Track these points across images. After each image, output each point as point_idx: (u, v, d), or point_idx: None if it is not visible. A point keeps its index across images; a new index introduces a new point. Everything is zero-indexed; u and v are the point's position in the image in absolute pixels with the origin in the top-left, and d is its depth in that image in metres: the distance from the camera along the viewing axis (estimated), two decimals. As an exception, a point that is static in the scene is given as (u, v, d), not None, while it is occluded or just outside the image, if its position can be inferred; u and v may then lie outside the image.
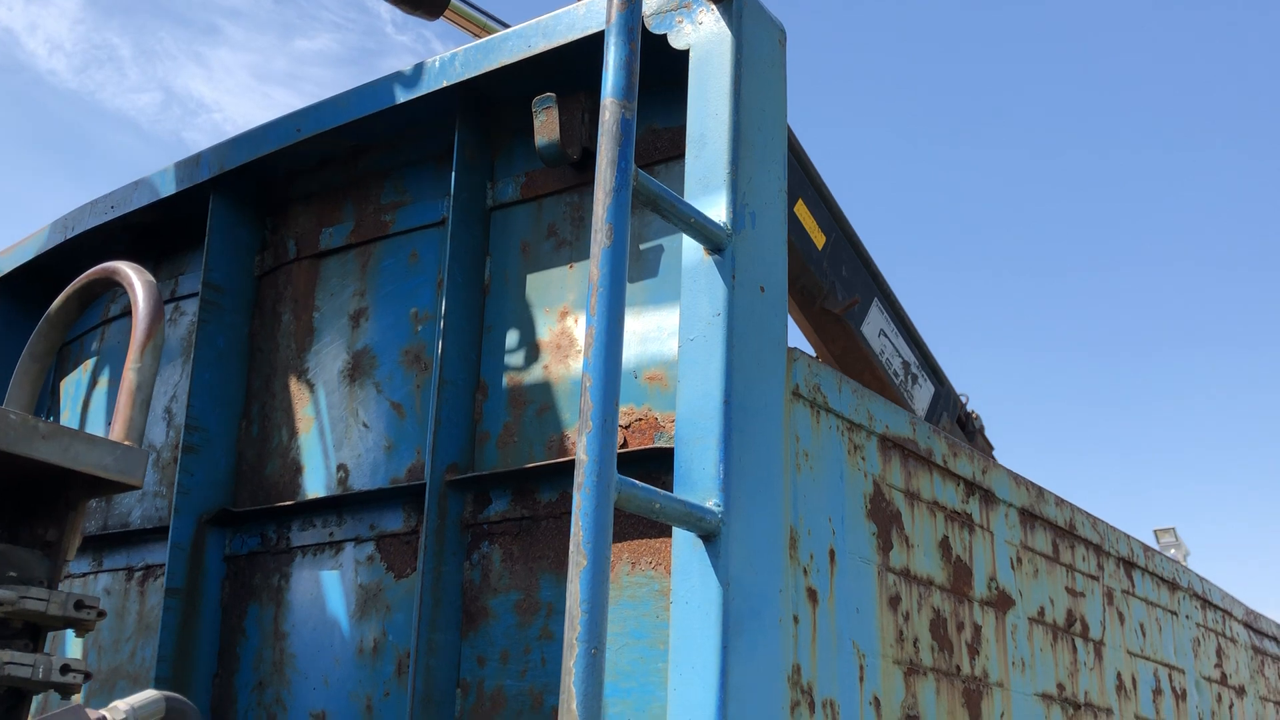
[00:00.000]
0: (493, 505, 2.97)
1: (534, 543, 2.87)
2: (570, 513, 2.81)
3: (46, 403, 4.39)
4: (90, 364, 4.21)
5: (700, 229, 2.40)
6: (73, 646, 3.79)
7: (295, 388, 3.52)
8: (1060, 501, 3.87)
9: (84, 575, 3.86)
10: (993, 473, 3.45)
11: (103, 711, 1.51)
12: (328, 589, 3.22)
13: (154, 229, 4.03)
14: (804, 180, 4.32)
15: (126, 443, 2.05)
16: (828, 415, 2.72)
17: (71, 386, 4.30)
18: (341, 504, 3.25)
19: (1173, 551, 9.17)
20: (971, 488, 3.31)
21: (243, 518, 3.46)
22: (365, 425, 3.32)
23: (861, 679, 2.61)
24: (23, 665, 1.82)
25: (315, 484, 3.36)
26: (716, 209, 2.48)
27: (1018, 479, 3.60)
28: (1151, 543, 8.42)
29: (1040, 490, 3.74)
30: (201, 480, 3.48)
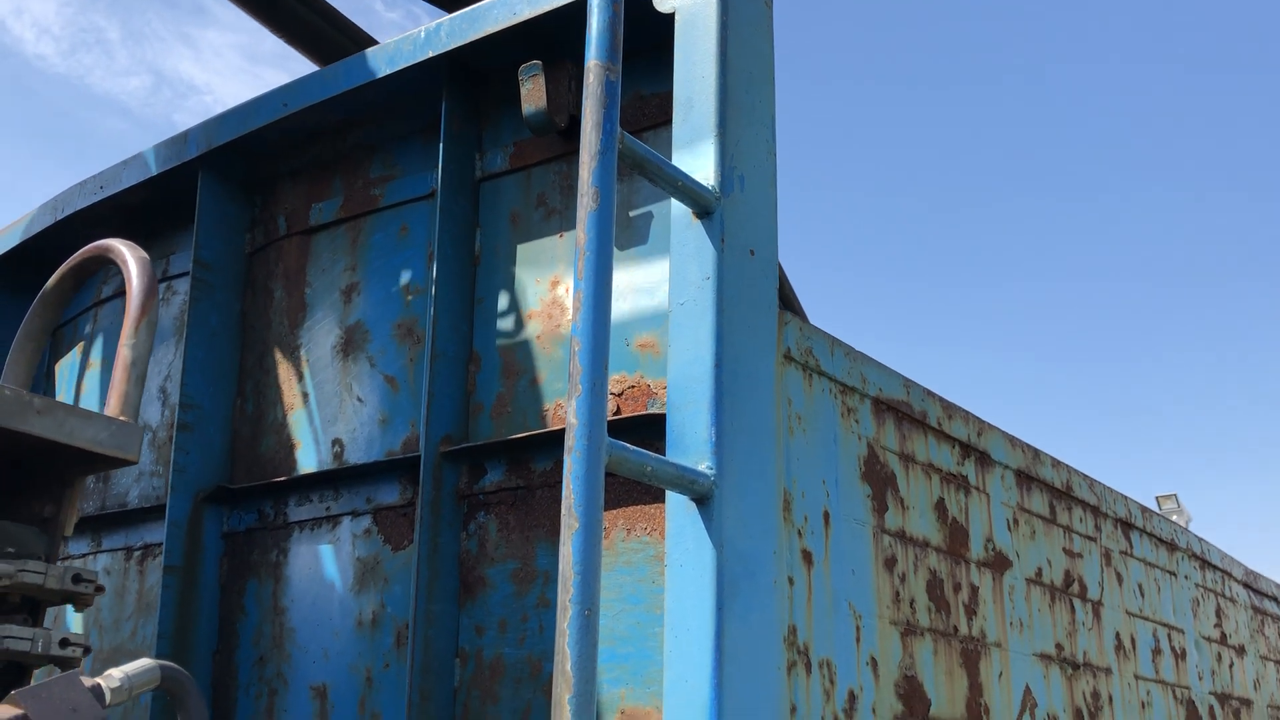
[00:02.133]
0: (488, 475, 2.97)
1: (530, 512, 2.87)
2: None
3: (42, 386, 4.39)
4: (84, 346, 4.21)
5: (688, 192, 2.39)
6: (75, 625, 3.80)
7: (289, 364, 3.52)
8: (1057, 463, 3.87)
9: (84, 555, 3.86)
10: (988, 435, 3.45)
11: (98, 679, 1.51)
12: (325, 563, 3.23)
13: (144, 209, 4.01)
14: None
15: (121, 418, 2.05)
16: (820, 378, 2.72)
17: (66, 369, 4.29)
18: (337, 478, 3.25)
19: (1175, 518, 9.19)
20: (967, 450, 3.32)
21: (239, 494, 3.46)
22: (359, 399, 3.32)
23: (858, 640, 2.62)
24: (21, 639, 1.82)
25: (311, 459, 3.36)
26: (704, 172, 2.47)
27: (1014, 441, 3.60)
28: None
29: (1037, 452, 3.74)
30: (197, 458, 3.48)
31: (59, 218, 4.13)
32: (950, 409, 3.25)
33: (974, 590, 3.18)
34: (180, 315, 3.85)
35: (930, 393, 3.17)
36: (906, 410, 3.03)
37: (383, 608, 3.06)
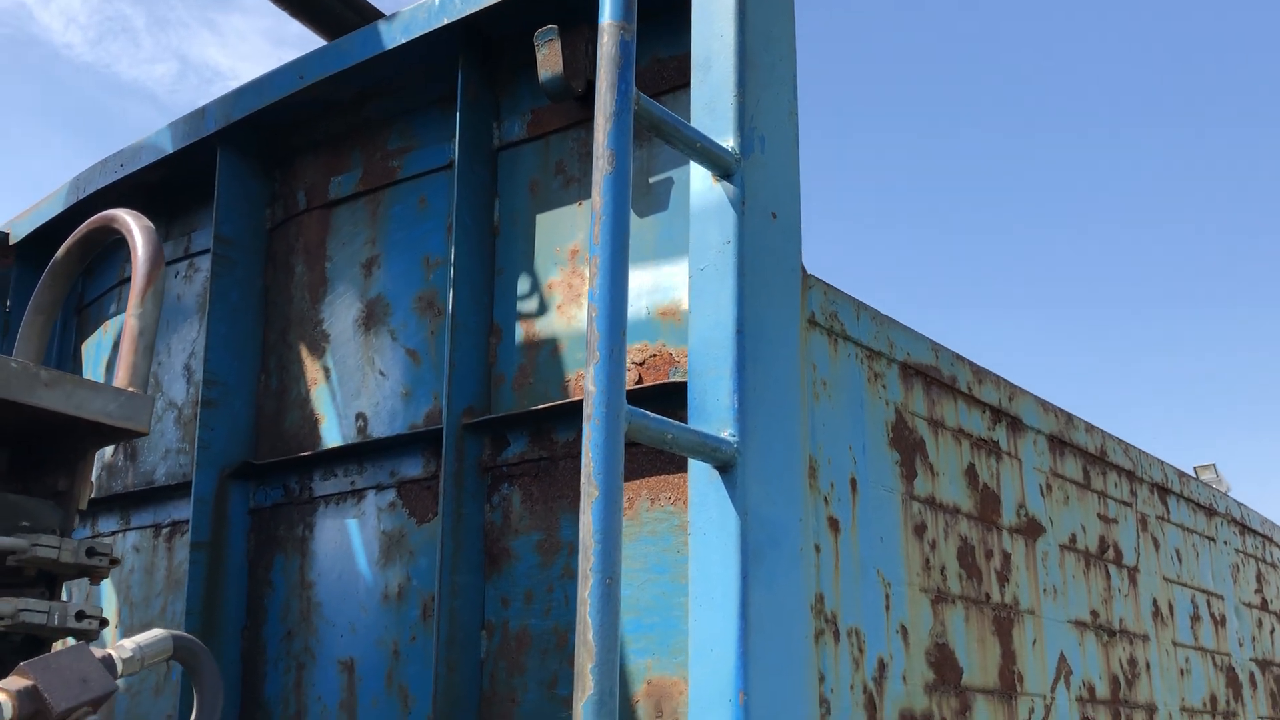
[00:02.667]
0: (511, 447, 2.95)
1: (553, 483, 2.85)
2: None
3: (69, 366, 4.41)
4: (110, 325, 4.22)
5: (707, 154, 2.34)
6: (108, 602, 3.83)
7: (311, 339, 3.50)
8: (1090, 428, 3.80)
9: (113, 533, 3.88)
10: (1020, 400, 3.38)
11: (109, 650, 1.50)
12: (351, 537, 3.22)
13: (165, 186, 4.01)
14: None
15: (130, 389, 2.03)
16: (846, 343, 2.67)
17: (92, 349, 4.31)
18: (362, 452, 3.24)
19: (1214, 487, 9.05)
20: (998, 415, 3.25)
21: (265, 470, 3.46)
22: (382, 373, 3.30)
23: (887, 607, 2.57)
24: (37, 612, 1.82)
25: (335, 433, 3.35)
26: (724, 134, 2.41)
27: (1046, 405, 3.53)
28: (1191, 480, 8.31)
29: (1070, 417, 3.67)
30: (222, 434, 3.48)
31: (81, 197, 4.13)
32: (980, 373, 3.19)
33: (1006, 557, 3.12)
34: (203, 292, 3.85)
35: (960, 357, 3.11)
36: (935, 375, 2.97)
37: (408, 581, 3.05)
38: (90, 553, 1.92)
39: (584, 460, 1.92)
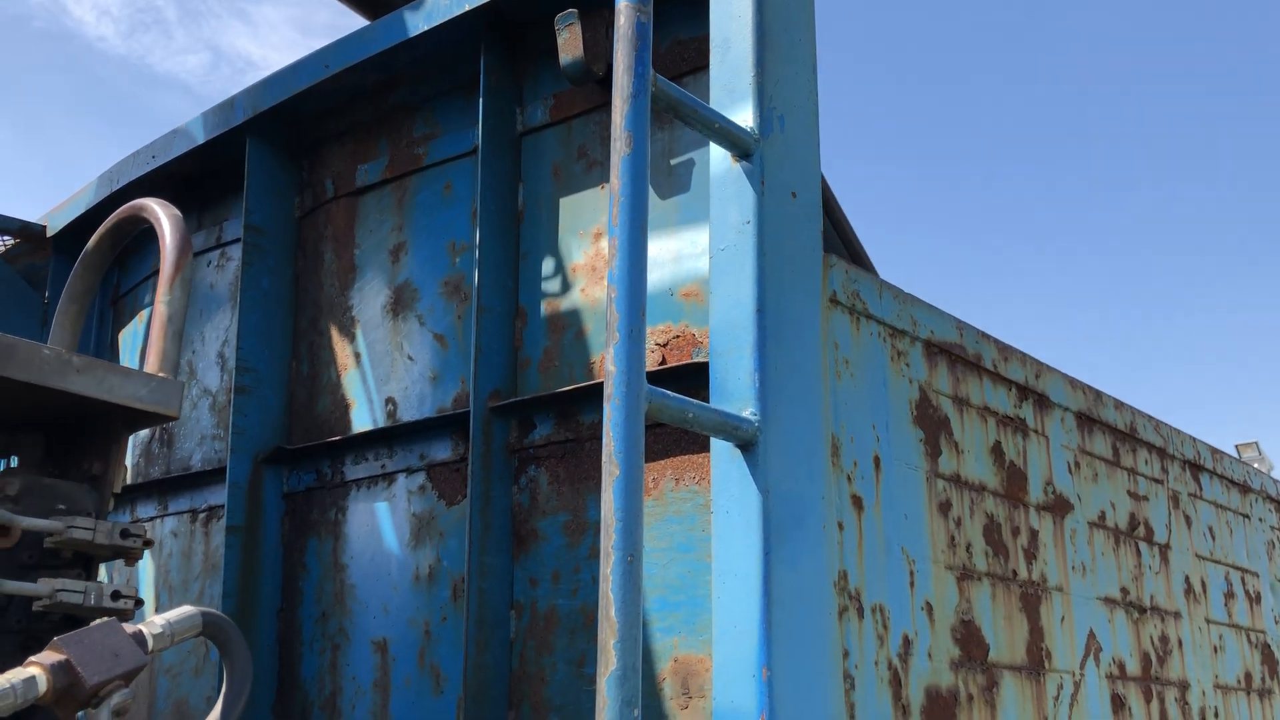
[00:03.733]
0: (537, 429, 2.98)
1: (579, 464, 2.87)
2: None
3: (106, 355, 4.49)
4: (144, 314, 4.29)
5: (726, 135, 2.34)
6: (146, 587, 3.91)
7: (341, 325, 3.55)
8: (1120, 405, 3.78)
9: (151, 519, 3.96)
10: (1047, 377, 3.37)
11: (139, 626, 1.54)
12: (382, 520, 3.27)
13: (196, 176, 4.07)
14: None
15: (160, 374, 2.08)
16: (868, 322, 2.67)
17: (129, 338, 4.38)
18: (392, 436, 3.28)
19: (1256, 465, 8.97)
20: (1025, 392, 3.24)
21: (298, 455, 3.51)
22: (410, 358, 3.34)
23: (912, 584, 2.58)
24: (74, 592, 1.87)
25: (365, 418, 3.40)
26: (743, 114, 2.42)
27: (1074, 383, 3.51)
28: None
29: (1099, 394, 3.65)
30: (255, 420, 3.54)
31: (114, 189, 4.20)
32: (1006, 351, 3.18)
33: (1033, 534, 3.12)
34: (234, 281, 3.91)
35: (985, 335, 3.10)
36: (960, 353, 2.97)
37: (439, 562, 3.09)
38: (124, 534, 1.97)
39: (605, 439, 1.94)
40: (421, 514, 3.18)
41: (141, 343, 4.27)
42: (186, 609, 1.63)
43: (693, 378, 2.60)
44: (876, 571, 2.47)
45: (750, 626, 2.12)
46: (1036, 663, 2.98)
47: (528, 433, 2.99)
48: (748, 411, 2.23)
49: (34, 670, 1.44)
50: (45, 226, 4.59)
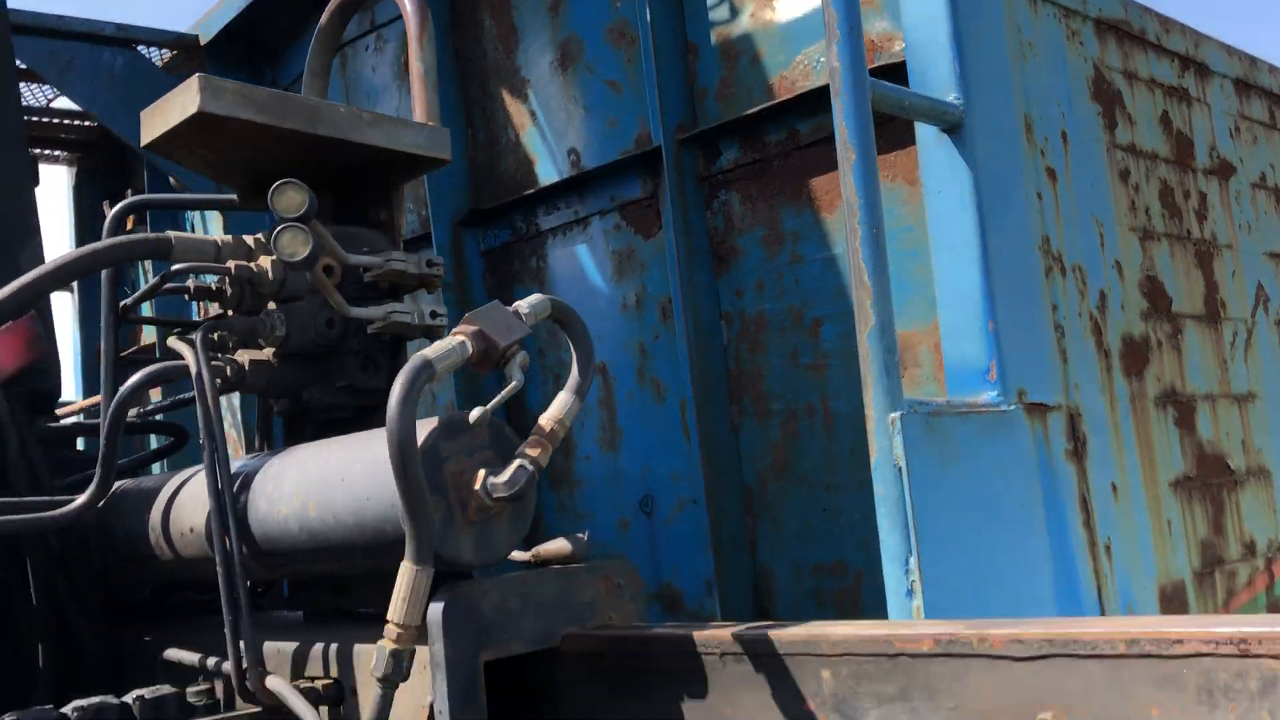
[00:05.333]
0: (723, 156, 3.19)
1: (769, 181, 3.09)
2: (800, 148, 3.01)
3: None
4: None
5: None
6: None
7: (512, 87, 3.74)
8: (1274, 69, 3.82)
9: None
10: (1205, 46, 3.43)
11: (513, 306, 1.84)
12: (583, 260, 3.56)
13: (340, -36, 4.19)
14: None
15: (430, 124, 2.32)
16: (1044, 4, 2.77)
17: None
18: (580, 183, 3.53)
19: None
20: (1186, 63, 3.32)
21: (490, 214, 3.79)
22: (585, 108, 3.53)
23: (1102, 246, 2.79)
24: (404, 313, 2.19)
25: (550, 170, 3.64)
26: None
27: (1230, 50, 3.57)
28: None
29: (1254, 60, 3.69)
30: (445, 186, 3.81)
31: (265, -12, 4.35)
32: (1166, 23, 3.24)
33: (1202, 197, 3.27)
34: (394, 62, 4.10)
35: (1147, 9, 3.17)
36: (1126, 28, 3.05)
37: (644, 290, 3.39)
38: (429, 264, 2.27)
39: (837, 130, 2.15)
40: (620, 250, 3.45)
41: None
42: (538, 295, 1.94)
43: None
44: (1072, 235, 2.68)
45: (973, 288, 2.37)
46: (1213, 312, 3.20)
47: (714, 160, 3.20)
48: (951, 97, 2.41)
49: (461, 337, 1.76)
50: (198, 35, 4.79)
